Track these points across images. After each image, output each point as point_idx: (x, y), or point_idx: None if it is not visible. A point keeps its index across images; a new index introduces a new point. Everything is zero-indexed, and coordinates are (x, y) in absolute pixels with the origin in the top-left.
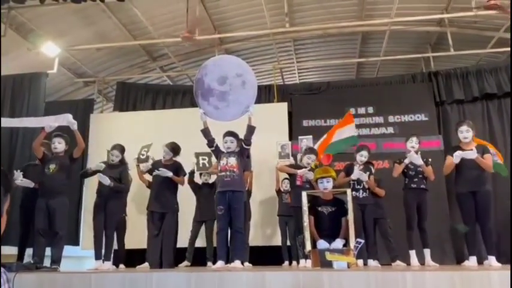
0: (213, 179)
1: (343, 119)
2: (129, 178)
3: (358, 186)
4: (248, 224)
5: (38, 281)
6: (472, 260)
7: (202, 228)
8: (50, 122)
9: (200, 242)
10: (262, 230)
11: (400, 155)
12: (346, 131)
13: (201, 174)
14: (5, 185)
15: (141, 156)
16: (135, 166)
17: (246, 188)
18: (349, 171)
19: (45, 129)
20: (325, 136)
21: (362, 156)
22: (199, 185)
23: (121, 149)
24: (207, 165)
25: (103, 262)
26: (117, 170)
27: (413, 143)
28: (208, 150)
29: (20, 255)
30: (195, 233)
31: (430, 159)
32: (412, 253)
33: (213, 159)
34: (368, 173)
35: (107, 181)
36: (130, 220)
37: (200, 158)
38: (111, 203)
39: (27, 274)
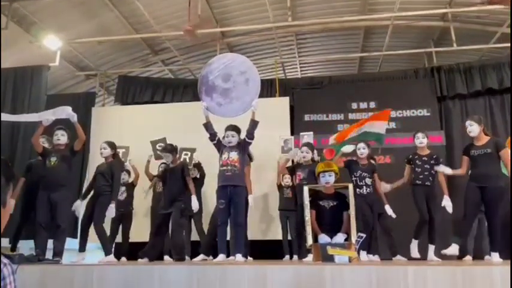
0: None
1: (379, 113)
2: (120, 175)
3: (361, 183)
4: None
5: (40, 274)
6: (453, 248)
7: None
8: (48, 116)
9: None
10: (263, 224)
11: (402, 150)
12: (376, 125)
13: None
14: (6, 174)
15: (158, 153)
16: (145, 160)
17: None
18: (349, 166)
19: (43, 123)
20: (347, 126)
21: (359, 150)
22: None
23: (110, 143)
24: (188, 160)
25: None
26: (108, 164)
27: (420, 139)
28: (193, 146)
29: (13, 247)
30: (189, 228)
31: (441, 159)
32: (415, 243)
33: (195, 155)
34: (372, 172)
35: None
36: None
37: (183, 152)
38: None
39: (29, 266)
